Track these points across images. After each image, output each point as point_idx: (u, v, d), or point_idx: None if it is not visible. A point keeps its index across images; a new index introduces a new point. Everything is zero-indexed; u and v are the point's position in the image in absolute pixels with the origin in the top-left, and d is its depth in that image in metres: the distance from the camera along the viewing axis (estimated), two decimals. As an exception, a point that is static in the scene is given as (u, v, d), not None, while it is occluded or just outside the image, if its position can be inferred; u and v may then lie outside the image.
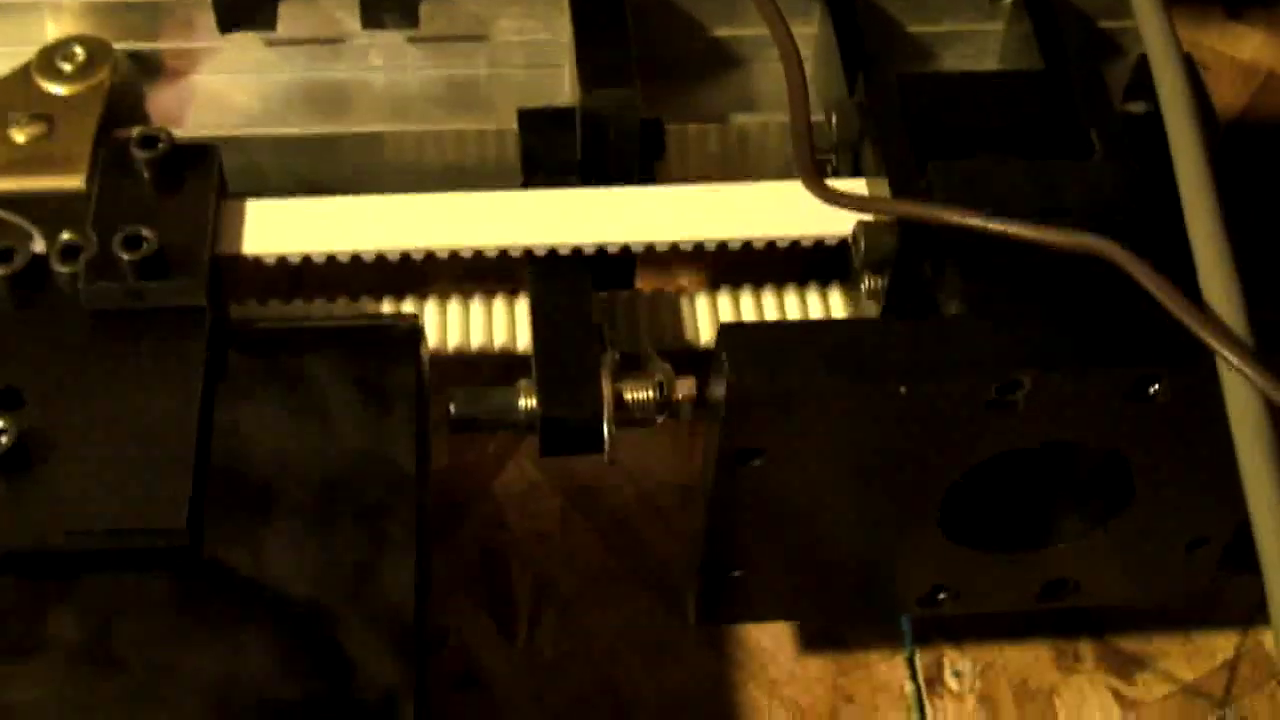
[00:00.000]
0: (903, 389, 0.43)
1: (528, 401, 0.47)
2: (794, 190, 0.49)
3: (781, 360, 0.42)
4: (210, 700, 0.40)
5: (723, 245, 0.50)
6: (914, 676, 0.54)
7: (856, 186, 0.50)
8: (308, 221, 0.49)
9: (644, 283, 0.54)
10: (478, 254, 0.49)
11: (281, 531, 0.43)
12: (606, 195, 0.50)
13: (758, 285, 0.53)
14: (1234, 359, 0.37)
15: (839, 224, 0.49)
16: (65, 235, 0.46)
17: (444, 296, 0.52)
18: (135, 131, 0.47)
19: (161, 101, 0.53)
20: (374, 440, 0.45)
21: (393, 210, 0.49)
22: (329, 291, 0.52)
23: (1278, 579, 0.34)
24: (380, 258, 0.49)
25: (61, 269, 0.45)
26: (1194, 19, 0.71)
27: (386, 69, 0.55)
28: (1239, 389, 0.37)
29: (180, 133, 0.48)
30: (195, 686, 0.40)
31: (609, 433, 0.47)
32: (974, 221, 0.43)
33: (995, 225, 0.43)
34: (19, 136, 0.49)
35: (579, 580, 0.55)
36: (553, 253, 0.49)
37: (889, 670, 0.54)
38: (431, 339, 0.50)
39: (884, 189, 0.48)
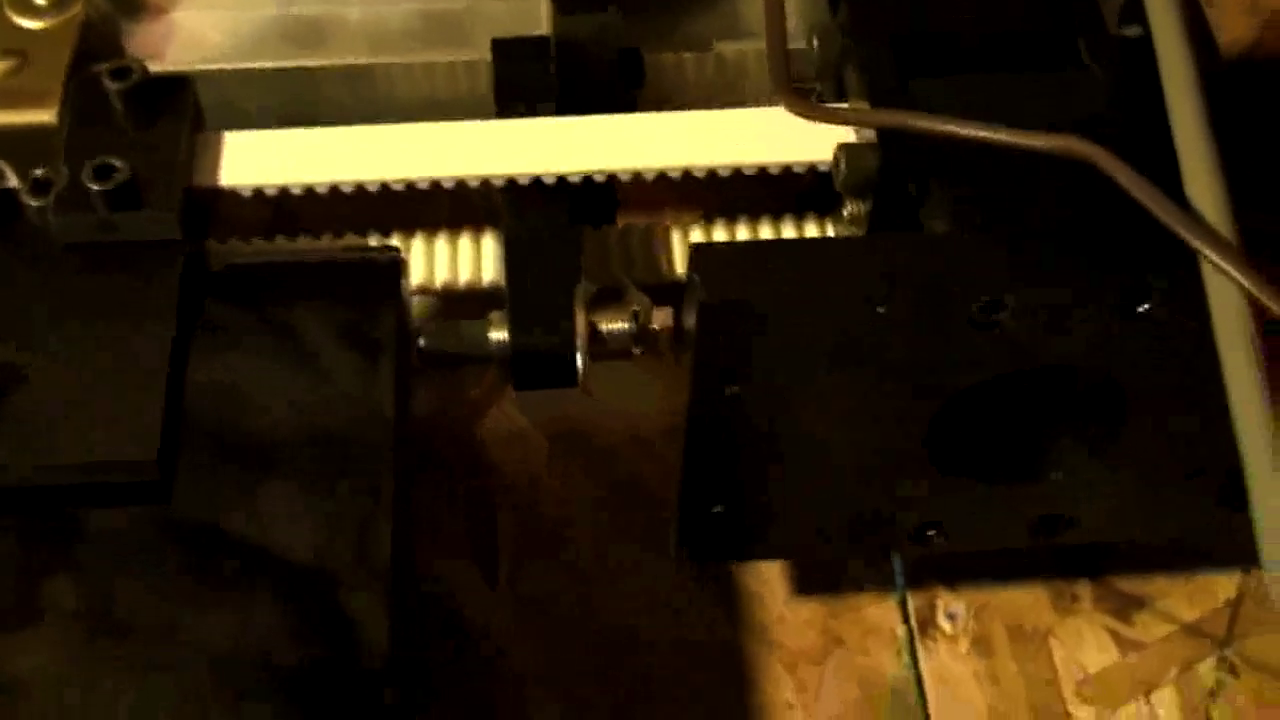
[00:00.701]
0: (880, 308, 0.41)
1: (499, 334, 0.46)
2: (776, 115, 0.47)
3: (756, 277, 0.41)
4: (205, 659, 0.39)
5: (708, 176, 0.48)
6: (906, 619, 0.52)
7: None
8: (285, 153, 0.47)
9: (629, 216, 0.53)
10: (458, 185, 0.48)
11: (258, 477, 0.42)
12: (582, 123, 0.48)
13: (745, 217, 0.52)
14: (1217, 258, 0.36)
15: (822, 149, 0.47)
16: (37, 171, 0.45)
17: (431, 233, 0.51)
18: (107, 64, 0.46)
19: (139, 38, 0.52)
20: (353, 380, 0.44)
21: (370, 141, 0.48)
22: (311, 230, 0.51)
23: (1261, 484, 0.33)
24: (362, 194, 0.48)
25: (32, 203, 0.44)
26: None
27: (362, 2, 0.54)
28: (1223, 290, 0.35)
29: (158, 68, 0.47)
30: (189, 645, 0.39)
31: (583, 364, 0.46)
32: (950, 128, 0.42)
33: (972, 130, 0.41)
34: (-11, 71, 0.48)
35: (565, 524, 0.54)
36: (530, 183, 0.48)
37: (881, 612, 0.52)
38: (417, 275, 0.49)
39: (865, 107, 0.46)
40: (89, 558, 0.40)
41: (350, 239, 0.50)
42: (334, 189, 0.47)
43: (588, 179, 0.48)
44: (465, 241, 0.50)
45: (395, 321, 0.45)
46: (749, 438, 0.45)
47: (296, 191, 0.47)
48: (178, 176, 0.45)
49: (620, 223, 0.52)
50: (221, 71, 0.52)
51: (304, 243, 0.50)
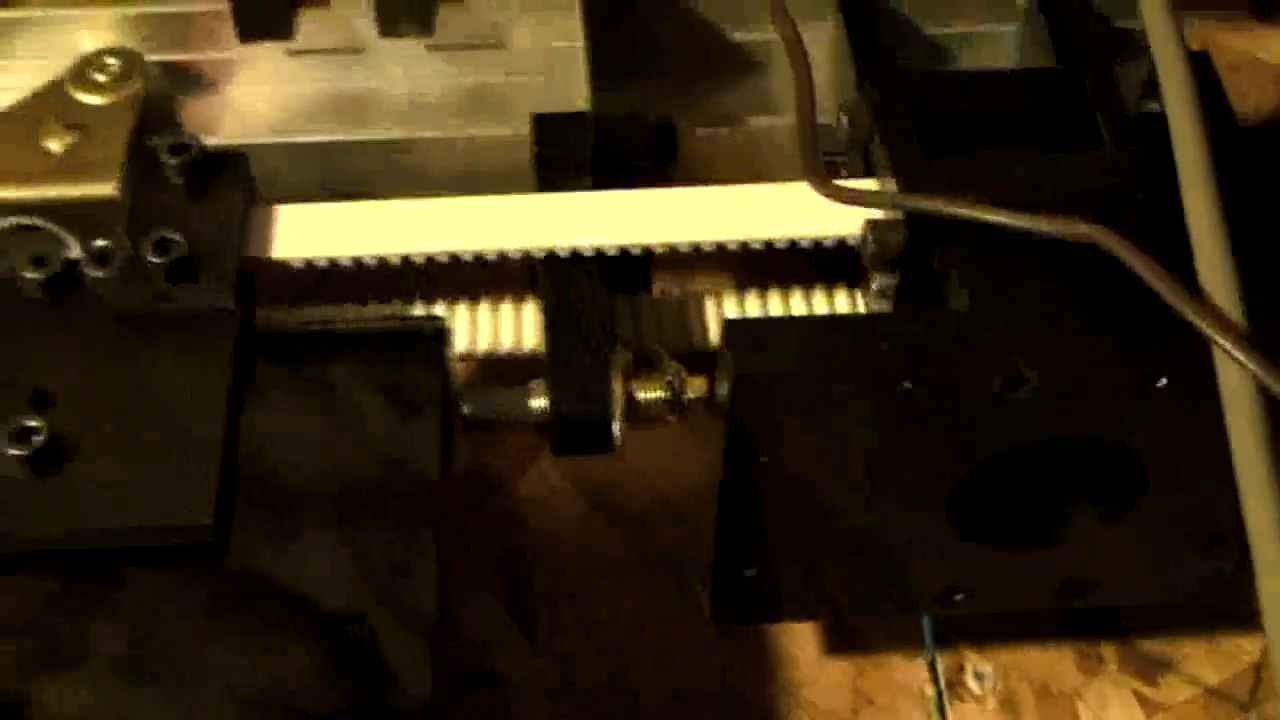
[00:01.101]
0: (906, 385, 0.43)
1: (539, 401, 0.48)
2: (805, 191, 0.49)
3: (785, 352, 0.43)
4: (243, 704, 0.41)
5: (738, 247, 0.50)
6: (935, 679, 0.54)
7: (866, 186, 0.50)
8: (334, 226, 0.50)
9: (664, 288, 0.55)
10: (500, 257, 0.50)
11: (306, 535, 0.44)
12: (618, 198, 0.50)
13: (776, 287, 0.53)
14: (1226, 344, 0.37)
15: (849, 224, 0.49)
16: (98, 241, 0.47)
17: (474, 300, 0.52)
18: (166, 139, 0.48)
19: (194, 111, 0.54)
20: (399, 442, 0.45)
21: (416, 214, 0.50)
22: (355, 297, 0.53)
23: (1267, 565, 0.34)
24: (407, 263, 0.50)
25: (94, 273, 0.46)
26: (1222, 22, 0.70)
27: (408, 78, 0.56)
28: (1232, 374, 0.37)
29: (212, 141, 0.49)
30: (229, 691, 0.41)
31: (619, 431, 0.48)
32: (964, 211, 0.43)
33: (988, 215, 0.43)
34: (53, 145, 0.50)
35: (597, 580, 0.55)
36: (567, 254, 0.50)
37: (910, 671, 0.54)
38: (461, 342, 0.51)
39: (892, 187, 0.48)
40: (133, 603, 0.42)
41: (396, 306, 0.51)
42: (381, 261, 0.49)
43: (624, 250, 0.50)
44: (507, 309, 0.52)
45: (440, 387, 0.47)
46: (780, 503, 0.46)
47: (346, 263, 0.49)
48: (232, 249, 0.47)
49: (654, 285, 0.53)
50: (267, 145, 0.53)
51: (350, 309, 0.52)
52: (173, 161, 0.47)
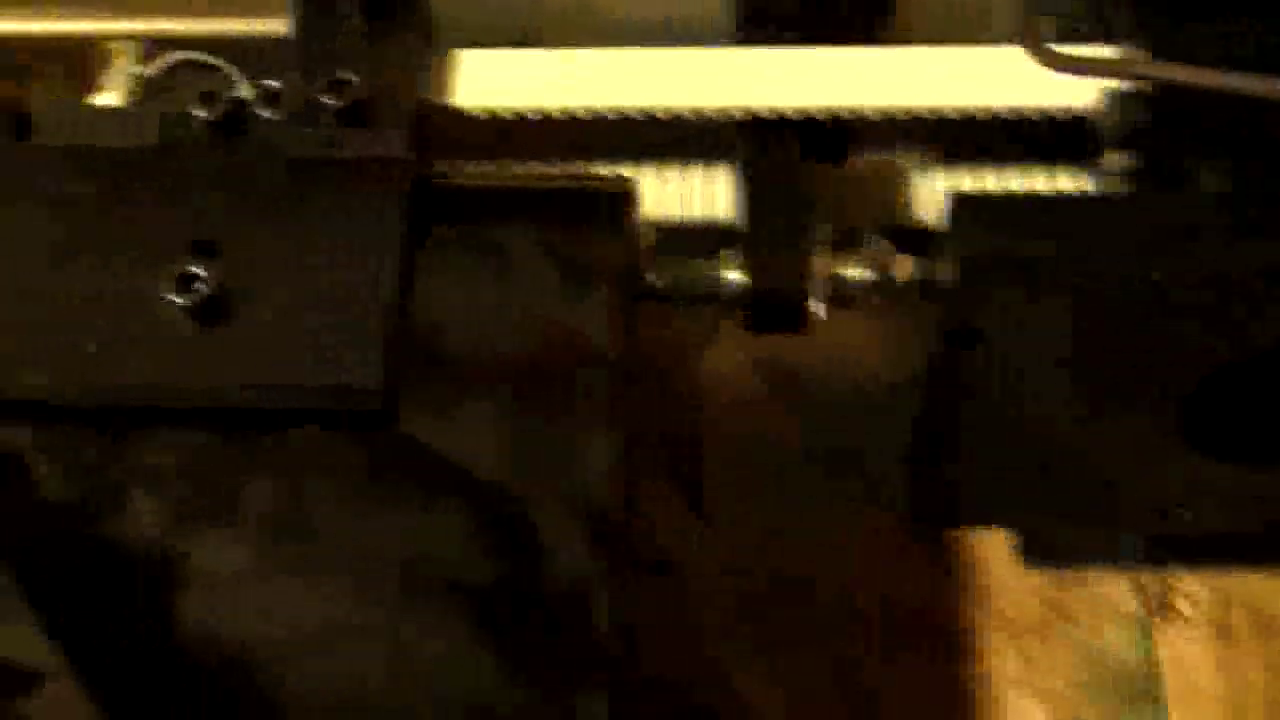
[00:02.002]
0: (1153, 274, 0.38)
1: (733, 274, 0.44)
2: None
3: (1019, 233, 0.38)
4: (404, 575, 0.38)
5: (959, 116, 0.45)
6: (1141, 597, 0.49)
7: (1102, 52, 0.45)
8: (520, 75, 0.46)
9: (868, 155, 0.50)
10: (695, 116, 0.46)
11: (475, 406, 0.41)
12: (831, 56, 0.46)
13: (992, 162, 0.49)
14: None
15: (1077, 95, 0.44)
16: (269, 81, 0.44)
17: (661, 164, 0.48)
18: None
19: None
20: (574, 316, 0.42)
21: (608, 66, 0.46)
22: (538, 156, 0.49)
23: None
24: (596, 120, 0.46)
25: (263, 114, 0.43)
26: None
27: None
28: None
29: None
30: (388, 560, 0.38)
31: (819, 311, 0.44)
32: (1220, 80, 0.38)
33: (1249, 84, 0.38)
34: (225, -28, 0.47)
35: (779, 468, 0.52)
36: (769, 118, 0.46)
37: (1112, 588, 0.50)
38: (646, 208, 0.47)
39: (1137, 53, 0.43)
40: (291, 463, 0.40)
41: (578, 168, 0.48)
42: (569, 115, 0.45)
43: (832, 115, 0.45)
44: (697, 174, 0.48)
45: (621, 256, 0.43)
46: (988, 400, 0.42)
47: (532, 116, 0.45)
48: (410, 95, 0.44)
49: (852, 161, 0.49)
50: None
51: (534, 167, 0.48)
52: None
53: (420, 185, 0.43)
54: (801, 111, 0.45)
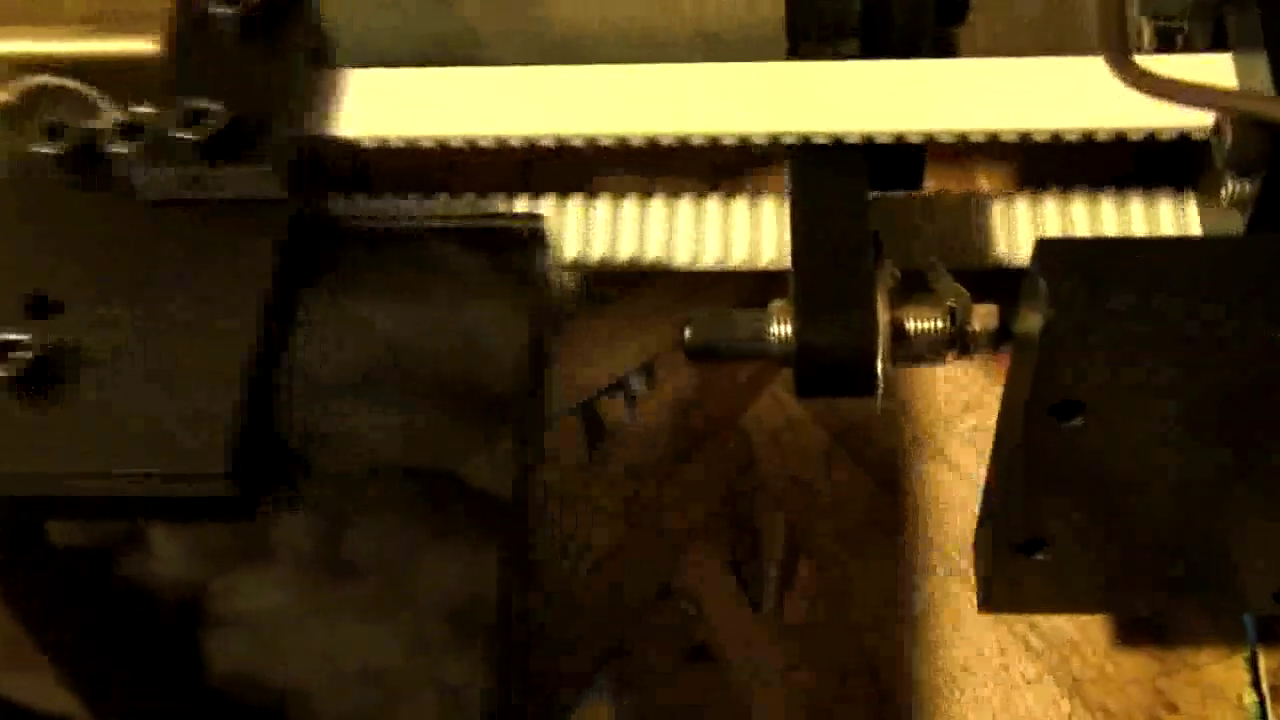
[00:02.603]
0: (1276, 334, 0.32)
1: (781, 327, 0.38)
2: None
3: (1119, 287, 0.32)
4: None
5: (1050, 139, 0.39)
6: (1256, 683, 0.43)
7: (1207, 66, 0.38)
8: (429, 96, 0.40)
9: (936, 182, 0.44)
10: (743, 140, 0.40)
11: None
12: (894, 69, 0.40)
13: (1082, 189, 0.43)
14: None
15: (1179, 114, 0.38)
16: (130, 109, 0.39)
17: (698, 195, 0.43)
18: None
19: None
20: (477, 366, 0.37)
21: (545, 84, 0.40)
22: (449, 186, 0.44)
23: None
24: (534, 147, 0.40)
25: (117, 149, 0.38)
26: None
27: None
28: None
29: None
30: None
31: (884, 371, 0.37)
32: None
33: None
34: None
35: (840, 535, 0.46)
36: (822, 142, 0.40)
37: (1224, 673, 0.43)
38: (680, 255, 0.42)
39: (1259, 68, 0.37)
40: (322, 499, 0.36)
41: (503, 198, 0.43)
42: (500, 141, 0.40)
43: (898, 138, 0.39)
44: (740, 207, 0.42)
45: (532, 298, 0.38)
46: (1082, 473, 0.36)
47: (429, 144, 0.40)
48: (287, 123, 0.38)
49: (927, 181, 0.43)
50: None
51: (442, 202, 0.43)
52: (224, 10, 0.39)
53: (299, 227, 0.38)
54: (862, 135, 0.39)
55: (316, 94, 0.40)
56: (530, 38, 0.44)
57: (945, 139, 0.39)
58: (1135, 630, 0.44)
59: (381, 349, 0.38)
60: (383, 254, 0.39)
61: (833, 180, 0.40)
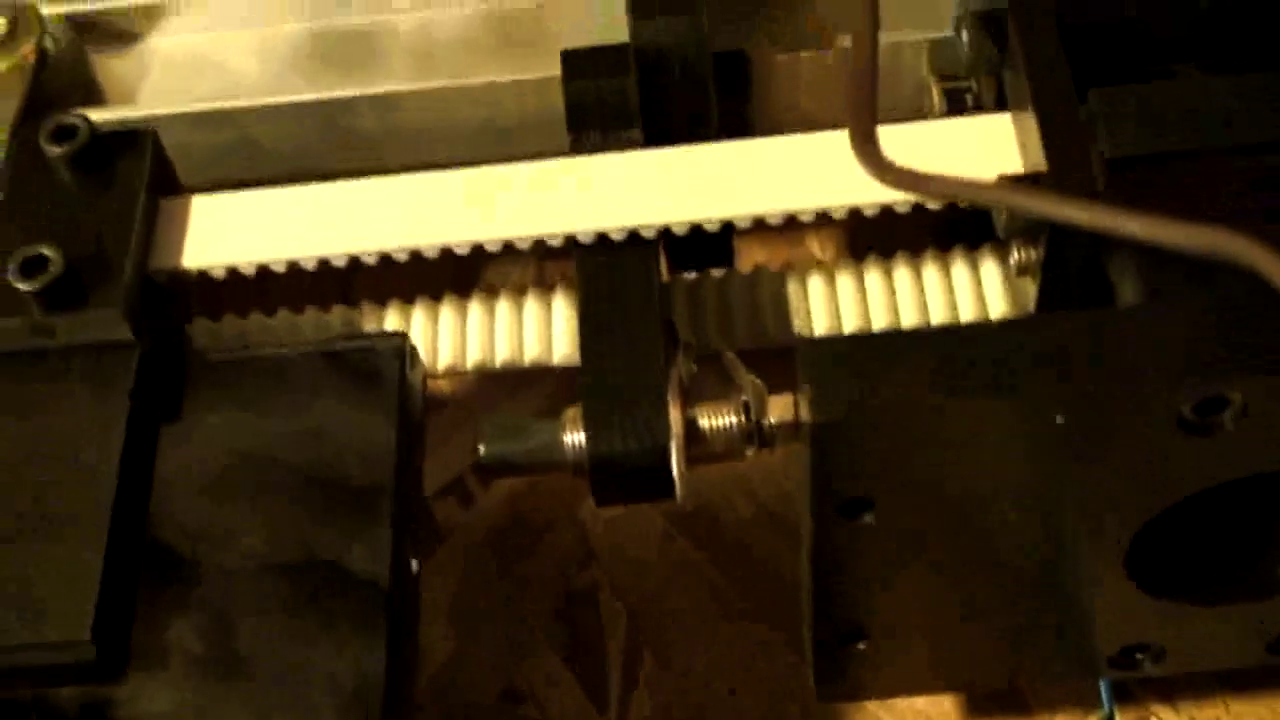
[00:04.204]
0: (1057, 418, 0.31)
1: (574, 436, 0.37)
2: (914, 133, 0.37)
3: (886, 385, 0.31)
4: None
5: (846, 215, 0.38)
6: (1114, 740, 0.42)
7: (999, 123, 0.37)
8: (265, 220, 0.39)
9: (765, 252, 0.43)
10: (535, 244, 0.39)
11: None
12: (671, 157, 0.39)
13: (906, 253, 0.41)
14: None
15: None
16: None
17: (488, 295, 0.41)
18: (48, 121, 0.37)
19: (117, 72, 0.43)
20: (348, 488, 0.36)
21: (385, 198, 0.39)
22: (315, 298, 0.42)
23: None
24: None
25: None
26: None
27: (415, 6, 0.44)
28: None
29: (137, 113, 0.39)
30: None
31: (679, 473, 0.36)
32: (1065, 211, 0.31)
33: (1108, 221, 0.30)
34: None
35: (684, 624, 0.45)
36: (602, 238, 0.38)
37: (1082, 729, 0.42)
38: (469, 354, 0.40)
39: (1031, 128, 0.36)
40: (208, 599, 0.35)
41: (364, 310, 0.41)
42: (340, 261, 0.39)
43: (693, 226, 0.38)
44: (531, 308, 0.41)
45: (400, 418, 0.37)
46: (881, 564, 0.35)
47: (280, 269, 0.39)
48: (129, 262, 0.37)
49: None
50: (224, 110, 0.42)
51: (310, 316, 0.41)
52: (56, 150, 0.37)
53: (152, 369, 0.37)
54: (626, 231, 0.38)
55: (160, 226, 0.38)
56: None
57: (743, 224, 0.38)
58: (990, 698, 0.43)
59: (256, 459, 0.36)
60: (244, 380, 0.38)
61: (620, 273, 0.38)
